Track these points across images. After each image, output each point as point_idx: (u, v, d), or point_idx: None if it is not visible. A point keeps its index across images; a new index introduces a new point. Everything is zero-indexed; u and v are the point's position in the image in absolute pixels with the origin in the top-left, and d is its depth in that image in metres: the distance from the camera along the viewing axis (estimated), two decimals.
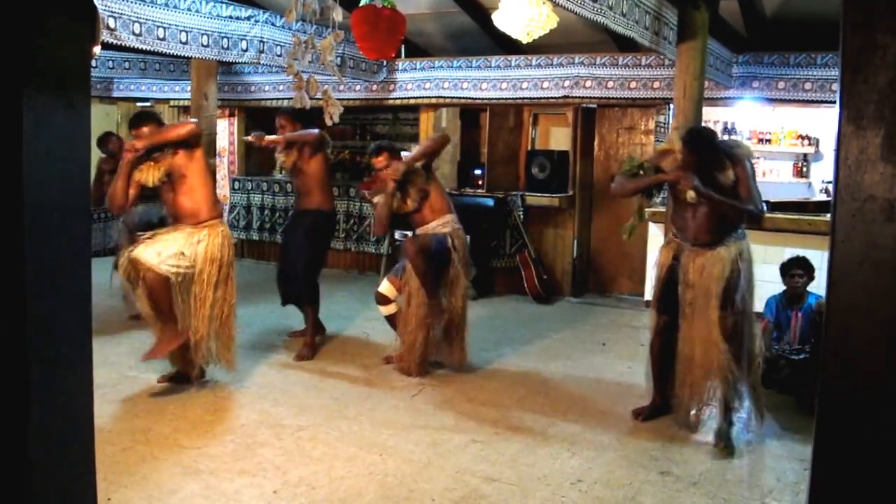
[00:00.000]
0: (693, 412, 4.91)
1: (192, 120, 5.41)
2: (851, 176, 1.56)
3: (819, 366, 1.67)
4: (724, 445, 4.68)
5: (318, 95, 5.57)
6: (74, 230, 2.42)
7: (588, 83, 8.38)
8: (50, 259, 2.32)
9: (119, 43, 5.83)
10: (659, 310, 5.09)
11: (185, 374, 5.53)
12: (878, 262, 1.55)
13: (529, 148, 9.67)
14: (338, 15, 5.14)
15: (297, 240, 6.66)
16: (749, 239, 4.86)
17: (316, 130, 6.50)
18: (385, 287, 6.08)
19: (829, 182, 8.70)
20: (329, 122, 5.73)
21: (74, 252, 2.43)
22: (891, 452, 1.66)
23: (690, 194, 4.77)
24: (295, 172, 6.61)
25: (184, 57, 6.92)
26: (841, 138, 1.57)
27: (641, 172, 5.07)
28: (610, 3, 4.95)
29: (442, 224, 5.89)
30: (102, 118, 11.26)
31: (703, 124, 7.17)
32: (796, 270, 5.80)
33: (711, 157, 4.71)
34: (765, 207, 4.82)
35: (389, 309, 6.08)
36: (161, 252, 5.13)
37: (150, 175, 5.24)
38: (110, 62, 9.54)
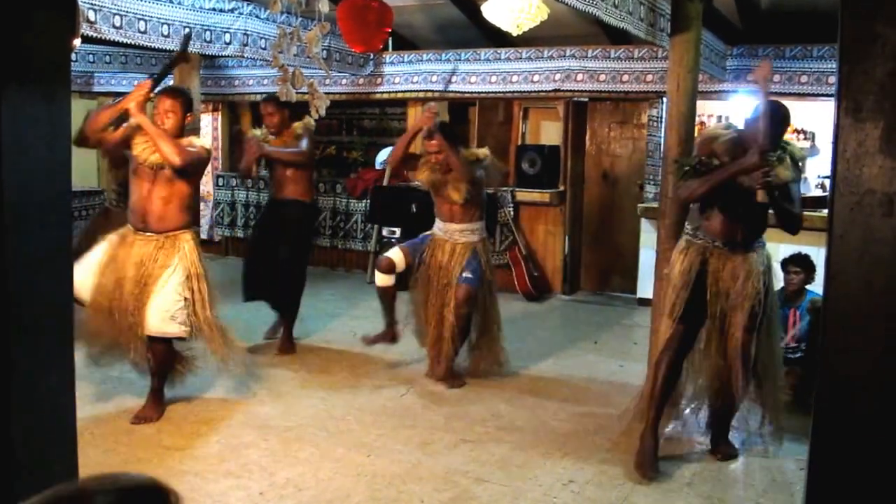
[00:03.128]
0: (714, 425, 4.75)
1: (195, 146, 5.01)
2: (850, 169, 1.57)
3: (816, 361, 1.68)
4: (724, 454, 4.64)
5: (304, 88, 5.55)
6: (55, 228, 2.41)
7: (579, 76, 8.39)
8: (30, 257, 2.31)
9: (99, 36, 5.79)
10: (680, 319, 4.54)
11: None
12: (877, 256, 1.56)
13: (519, 143, 9.67)
14: (324, 6, 5.12)
15: (273, 234, 6.48)
16: None
17: (303, 146, 6.42)
18: (395, 253, 5.89)
19: (826, 177, 8.72)
20: (315, 116, 5.71)
21: (55, 250, 2.42)
22: (888, 449, 1.67)
23: (761, 194, 4.26)
24: (270, 165, 6.58)
25: (166, 50, 6.89)
26: (839, 131, 1.57)
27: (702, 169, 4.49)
28: None
29: (470, 231, 5.82)
30: (82, 113, 11.17)
31: (697, 119, 7.19)
32: (792, 267, 5.83)
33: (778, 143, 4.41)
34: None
35: (388, 280, 5.82)
36: (171, 312, 4.83)
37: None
38: (90, 56, 9.49)
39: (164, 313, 4.83)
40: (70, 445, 2.54)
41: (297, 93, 5.59)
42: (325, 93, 5.77)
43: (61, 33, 2.43)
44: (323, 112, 5.60)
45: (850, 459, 1.72)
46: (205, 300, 4.96)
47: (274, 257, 6.44)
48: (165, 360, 5.00)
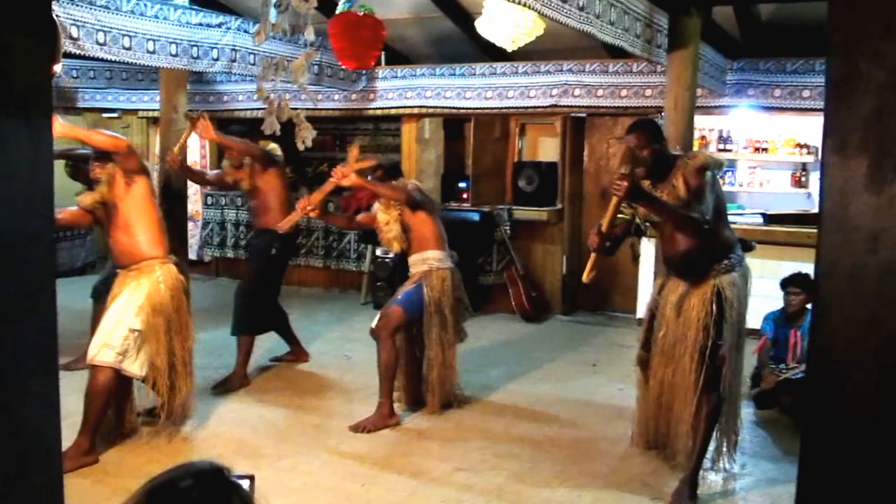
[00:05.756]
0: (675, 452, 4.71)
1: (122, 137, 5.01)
2: (836, 206, 1.61)
3: (806, 402, 1.73)
4: None
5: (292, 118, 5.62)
6: (38, 259, 2.43)
7: (577, 91, 8.43)
8: (12, 289, 2.33)
9: (83, 53, 5.82)
10: (642, 342, 4.91)
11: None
12: (862, 294, 1.60)
13: (516, 159, 9.73)
14: (310, 33, 5.17)
15: (249, 263, 6.60)
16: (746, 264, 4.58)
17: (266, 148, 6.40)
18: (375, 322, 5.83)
19: None
20: (301, 147, 5.75)
21: (38, 280, 2.44)
22: (878, 481, 1.71)
23: (642, 210, 4.47)
24: (249, 191, 6.52)
25: (151, 67, 6.93)
26: (825, 168, 1.62)
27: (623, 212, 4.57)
28: (597, 12, 5.00)
29: (421, 261, 5.67)
30: None
31: (696, 133, 7.25)
32: (792, 288, 5.85)
33: (661, 153, 4.40)
34: (709, 219, 4.25)
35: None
36: (110, 342, 4.75)
37: (83, 197, 5.06)
38: (74, 71, 9.53)
39: (99, 339, 4.78)
40: (56, 480, 2.56)
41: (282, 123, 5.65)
42: (316, 109, 5.82)
43: (41, 60, 2.46)
44: (309, 143, 5.67)
45: (839, 493, 1.76)
46: (159, 337, 4.86)
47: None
48: (96, 394, 4.73)
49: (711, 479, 4.67)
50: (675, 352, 4.51)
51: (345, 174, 5.47)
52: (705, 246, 4.38)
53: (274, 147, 6.45)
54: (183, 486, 1.44)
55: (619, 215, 4.44)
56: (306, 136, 5.58)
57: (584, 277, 4.40)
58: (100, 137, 4.92)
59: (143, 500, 1.42)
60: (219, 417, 5.57)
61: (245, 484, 1.60)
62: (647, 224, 4.63)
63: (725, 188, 9.19)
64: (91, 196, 5.03)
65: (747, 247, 4.72)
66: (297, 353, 7.00)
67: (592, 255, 4.38)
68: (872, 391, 1.62)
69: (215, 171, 7.41)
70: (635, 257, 5.14)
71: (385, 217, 5.70)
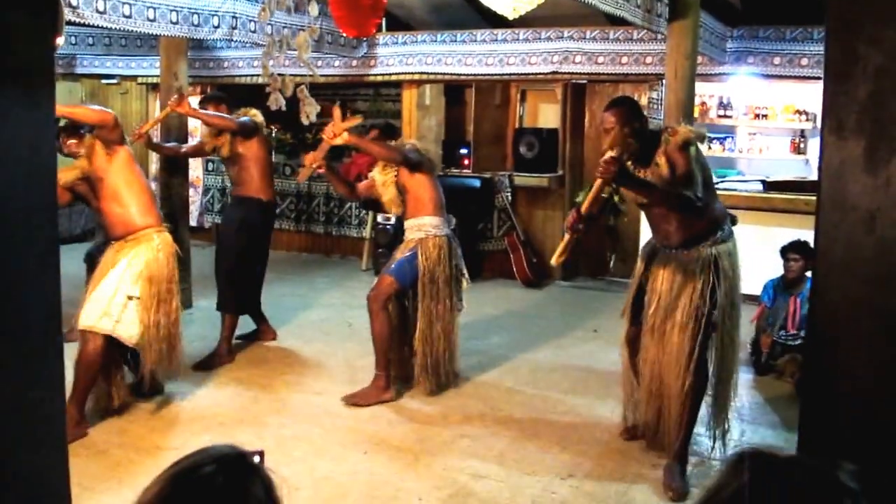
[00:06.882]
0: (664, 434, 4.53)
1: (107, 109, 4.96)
2: (833, 186, 1.63)
3: (803, 379, 1.75)
4: (675, 490, 4.21)
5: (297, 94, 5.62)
6: (41, 238, 2.45)
7: (578, 58, 8.41)
8: (16, 268, 2.35)
9: (82, 21, 5.78)
10: (629, 318, 4.74)
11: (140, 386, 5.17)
12: (859, 272, 1.63)
13: (517, 126, 9.72)
14: (313, 9, 5.16)
15: (228, 234, 6.40)
16: (735, 237, 4.45)
17: (245, 119, 6.20)
18: None
19: None
20: (305, 121, 5.73)
21: (42, 260, 2.46)
22: (874, 455, 1.75)
23: (630, 195, 4.32)
24: (229, 158, 6.32)
25: (151, 35, 6.89)
26: (824, 148, 1.64)
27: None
28: None
29: (416, 227, 5.52)
30: (66, 96, 11.19)
31: (696, 100, 7.23)
32: (791, 255, 5.89)
33: (643, 131, 4.31)
34: (699, 195, 4.11)
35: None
36: (109, 310, 4.71)
37: (62, 174, 4.82)
38: (73, 37, 9.47)
39: (96, 306, 4.72)
40: (60, 451, 2.60)
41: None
42: (318, 75, 5.83)
43: (43, 36, 2.46)
44: (313, 118, 5.64)
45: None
46: (154, 304, 4.82)
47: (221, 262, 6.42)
48: (88, 362, 4.68)
49: (708, 446, 4.70)
50: (666, 327, 4.34)
51: (336, 133, 5.28)
52: (696, 223, 4.27)
53: (255, 114, 6.31)
54: (206, 472, 1.46)
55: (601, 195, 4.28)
56: (310, 112, 5.58)
57: (554, 260, 4.27)
58: (85, 112, 4.89)
59: (166, 485, 1.45)
60: (220, 388, 5.61)
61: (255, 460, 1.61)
62: (624, 204, 4.48)
63: (725, 154, 9.22)
64: (71, 172, 4.93)
65: (731, 220, 4.59)
66: (265, 330, 6.72)
67: (567, 237, 4.21)
68: (869, 365, 1.64)
69: (191, 143, 7.36)
70: (610, 232, 4.95)
71: (382, 178, 5.59)
